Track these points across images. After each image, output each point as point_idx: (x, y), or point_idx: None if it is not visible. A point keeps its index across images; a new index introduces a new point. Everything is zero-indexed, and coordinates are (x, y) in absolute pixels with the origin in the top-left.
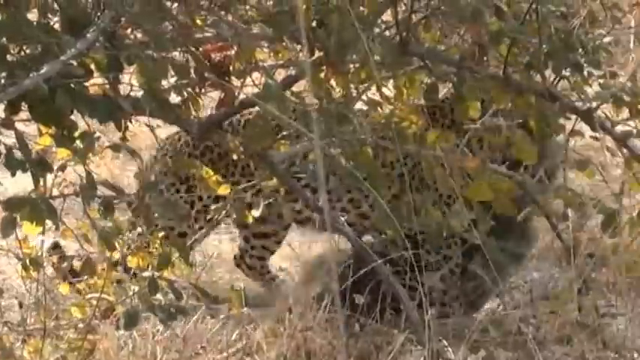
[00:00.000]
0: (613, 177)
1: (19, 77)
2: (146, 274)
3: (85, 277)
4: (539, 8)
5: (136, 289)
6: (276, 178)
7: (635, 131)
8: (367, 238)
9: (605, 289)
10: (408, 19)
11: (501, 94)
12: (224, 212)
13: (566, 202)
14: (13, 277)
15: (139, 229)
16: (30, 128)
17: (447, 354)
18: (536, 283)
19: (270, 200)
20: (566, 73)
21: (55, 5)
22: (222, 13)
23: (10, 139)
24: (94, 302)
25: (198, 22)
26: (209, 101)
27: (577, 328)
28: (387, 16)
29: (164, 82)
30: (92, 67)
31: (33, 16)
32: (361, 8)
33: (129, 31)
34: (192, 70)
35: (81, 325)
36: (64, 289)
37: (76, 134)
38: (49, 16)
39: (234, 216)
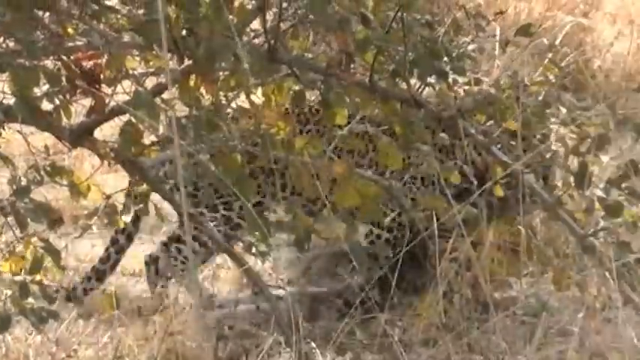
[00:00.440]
0: None
1: None
2: (18, 278)
3: None
4: (404, 17)
5: (9, 293)
6: (147, 184)
7: (495, 136)
8: None
9: (470, 292)
10: (276, 27)
11: (367, 101)
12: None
13: (433, 207)
14: None
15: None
16: None
17: (315, 356)
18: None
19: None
20: (431, 80)
21: None
22: (94, 21)
23: None
24: None
25: (69, 30)
26: (81, 108)
27: (442, 331)
28: (256, 24)
29: (36, 90)
30: None
31: None
32: (230, 17)
33: (0, 39)
34: (63, 78)
35: None
36: None
37: None
38: None
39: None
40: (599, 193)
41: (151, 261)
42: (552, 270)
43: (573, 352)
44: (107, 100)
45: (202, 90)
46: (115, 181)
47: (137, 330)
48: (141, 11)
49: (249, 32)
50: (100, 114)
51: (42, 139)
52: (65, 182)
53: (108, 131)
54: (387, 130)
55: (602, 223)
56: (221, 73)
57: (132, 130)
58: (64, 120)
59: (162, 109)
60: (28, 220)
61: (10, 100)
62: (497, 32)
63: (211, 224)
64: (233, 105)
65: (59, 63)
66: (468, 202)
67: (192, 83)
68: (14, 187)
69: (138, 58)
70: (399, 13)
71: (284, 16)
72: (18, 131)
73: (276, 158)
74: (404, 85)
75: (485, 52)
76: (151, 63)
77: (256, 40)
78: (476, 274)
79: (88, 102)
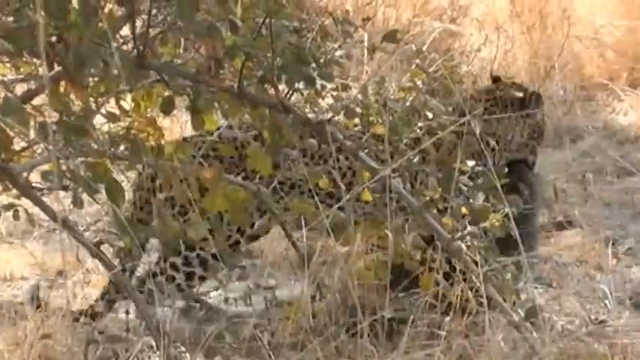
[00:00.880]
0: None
1: None
2: None
3: None
4: (272, 23)
5: None
6: (17, 189)
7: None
8: None
9: (338, 296)
10: (145, 33)
11: (236, 106)
12: None
13: (300, 211)
14: None
15: None
16: None
17: (184, 359)
18: (271, 290)
19: None
20: (300, 86)
21: None
22: None
23: None
24: None
25: None
26: None
27: (311, 335)
28: (126, 30)
29: None
30: None
31: None
32: (100, 23)
33: None
34: None
35: None
36: None
37: None
38: None
39: None
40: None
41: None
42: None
43: (441, 355)
44: None
45: (72, 96)
46: None
47: (8, 335)
48: (10, 18)
49: (119, 38)
50: None
51: None
52: None
53: None
54: (255, 135)
55: (468, 228)
56: (91, 79)
57: (2, 137)
58: None
59: (31, 115)
60: None
61: None
62: (366, 38)
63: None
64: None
65: None
66: (336, 206)
67: (62, 89)
68: None
69: (8, 65)
70: (267, 20)
71: (153, 22)
72: None
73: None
74: (272, 91)
75: (353, 58)
76: (22, 70)
77: (125, 47)
78: (344, 278)
79: None
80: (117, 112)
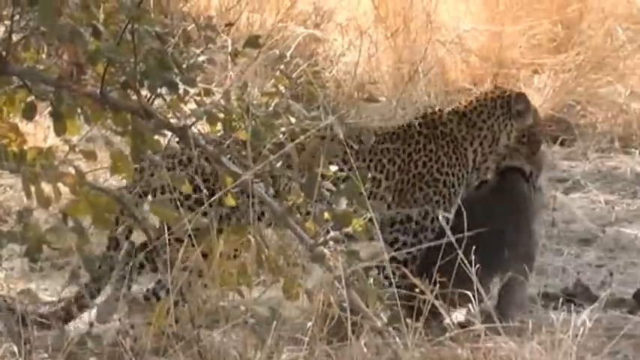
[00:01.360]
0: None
1: None
2: None
3: None
4: (135, 28)
5: None
6: None
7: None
8: None
9: (200, 301)
10: (7, 39)
11: (99, 112)
12: None
13: (162, 216)
14: None
15: None
16: None
17: None
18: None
19: None
20: (162, 91)
21: None
22: None
23: None
24: None
25: None
26: None
27: (173, 340)
28: None
29: None
30: None
31: None
32: None
33: None
34: None
35: None
36: None
37: None
38: None
39: None
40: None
41: None
42: (283, 279)
43: None
44: None
45: None
46: None
47: None
48: None
49: None
50: None
51: None
52: None
53: None
54: None
55: (331, 233)
56: None
57: None
58: None
59: None
60: None
61: None
62: (229, 43)
63: None
64: None
65: None
66: (198, 211)
67: None
68: None
69: None
70: (130, 25)
71: (15, 27)
72: None
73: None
74: (135, 97)
75: (217, 63)
76: None
77: None
78: (206, 283)
79: None
80: None
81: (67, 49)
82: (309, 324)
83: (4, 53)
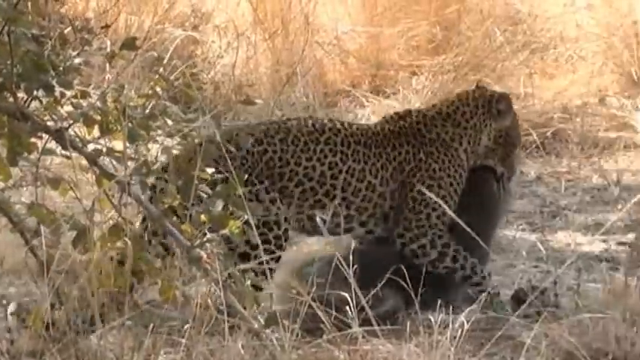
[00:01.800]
0: (85, 194)
1: None
2: None
3: None
4: (11, 30)
5: None
6: None
7: (105, 149)
8: None
9: (77, 304)
10: None
11: None
12: None
13: (39, 218)
14: None
15: None
16: None
17: None
18: (12, 298)
19: None
20: (39, 93)
21: None
22: None
23: None
24: None
25: None
26: None
27: (50, 342)
28: None
29: None
30: None
31: None
32: None
33: None
34: None
35: None
36: None
37: None
38: None
39: None
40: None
41: None
42: (160, 281)
43: None
44: None
45: None
46: None
47: None
48: None
49: None
50: None
51: None
52: None
53: None
54: None
55: (208, 235)
56: None
57: None
58: None
59: None
60: None
61: None
62: (108, 45)
63: None
64: None
65: None
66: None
67: None
68: None
69: None
70: (6, 27)
71: None
72: None
73: None
74: (11, 99)
75: (95, 65)
76: None
77: None
78: (84, 285)
79: None
80: None
81: None
82: (187, 326)
83: None
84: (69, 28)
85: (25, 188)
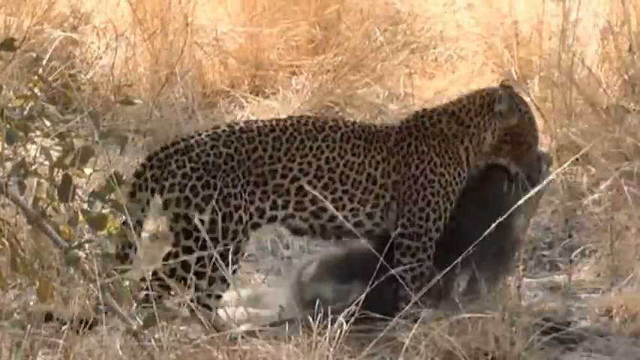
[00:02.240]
0: None
1: None
2: None
3: None
4: None
5: None
6: None
7: None
8: None
9: None
10: None
11: None
12: None
13: None
14: None
15: None
16: None
17: None
18: None
19: None
20: None
21: None
22: None
23: None
24: None
25: None
26: None
27: None
28: None
29: None
30: None
31: None
32: None
33: None
34: None
35: None
36: None
37: None
38: None
39: None
40: (85, 205)
41: None
42: (38, 281)
43: None
44: None
45: None
46: None
47: None
48: None
49: None
50: None
51: None
52: None
53: None
54: None
55: (86, 236)
56: None
57: None
58: None
59: None
60: None
61: None
62: None
63: None
64: None
65: None
66: None
67: None
68: None
69: None
70: None
71: None
72: None
73: None
74: None
75: None
76: None
77: None
78: None
79: None
80: None
81: None
82: (65, 327)
83: None
84: None
85: None
